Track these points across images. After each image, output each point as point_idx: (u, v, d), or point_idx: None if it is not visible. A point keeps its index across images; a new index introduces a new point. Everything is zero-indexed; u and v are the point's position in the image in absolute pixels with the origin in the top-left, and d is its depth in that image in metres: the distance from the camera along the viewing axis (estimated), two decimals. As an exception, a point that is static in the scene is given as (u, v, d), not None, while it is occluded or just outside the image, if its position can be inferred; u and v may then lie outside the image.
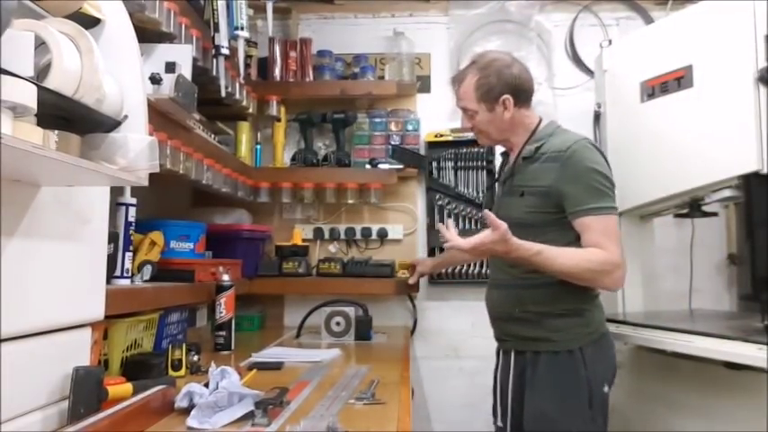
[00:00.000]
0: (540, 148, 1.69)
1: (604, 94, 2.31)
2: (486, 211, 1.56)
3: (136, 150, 1.04)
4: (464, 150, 2.75)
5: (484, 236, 1.53)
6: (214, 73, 1.90)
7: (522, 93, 1.74)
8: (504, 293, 1.75)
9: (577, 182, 1.61)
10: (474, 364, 2.63)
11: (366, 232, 2.77)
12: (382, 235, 2.77)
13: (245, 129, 2.56)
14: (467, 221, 2.74)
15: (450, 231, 1.57)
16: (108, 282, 1.29)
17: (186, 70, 1.61)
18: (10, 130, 0.75)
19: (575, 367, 1.61)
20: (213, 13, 1.83)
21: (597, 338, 1.67)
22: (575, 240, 1.63)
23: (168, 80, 1.53)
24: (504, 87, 1.72)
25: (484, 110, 1.74)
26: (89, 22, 1.08)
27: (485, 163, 2.74)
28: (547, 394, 1.62)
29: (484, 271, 2.64)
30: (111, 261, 1.44)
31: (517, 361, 1.72)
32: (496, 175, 1.95)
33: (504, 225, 1.50)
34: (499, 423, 1.78)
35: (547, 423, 1.61)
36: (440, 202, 2.76)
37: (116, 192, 1.49)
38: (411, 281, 2.48)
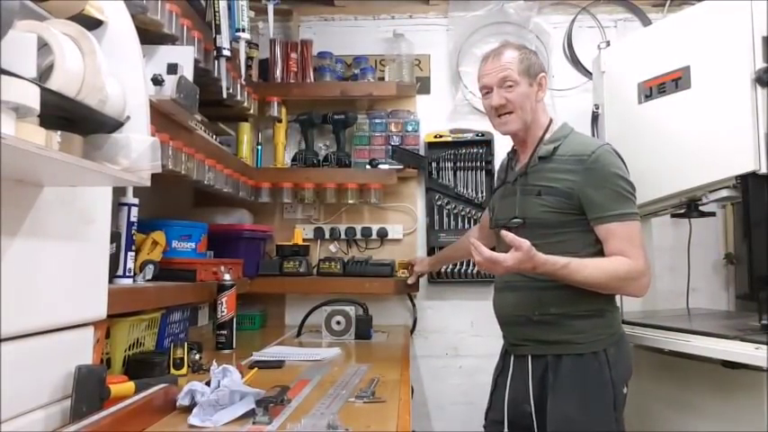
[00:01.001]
0: (557, 148, 1.67)
1: (602, 95, 2.31)
2: (504, 232, 1.53)
3: (138, 151, 1.04)
4: (463, 151, 2.77)
5: (510, 256, 1.50)
6: (216, 74, 1.91)
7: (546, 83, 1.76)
8: (520, 296, 1.69)
9: (602, 187, 1.59)
10: (473, 362, 2.64)
11: (366, 232, 2.78)
12: (382, 235, 2.78)
13: (246, 129, 2.57)
14: (466, 221, 2.75)
15: (481, 248, 1.54)
16: (110, 281, 1.30)
17: (188, 71, 1.62)
18: (13, 131, 0.75)
19: (599, 369, 1.59)
20: (215, 15, 1.84)
21: (618, 339, 1.67)
22: (593, 243, 1.62)
23: (170, 81, 1.53)
24: (540, 67, 1.74)
25: (525, 83, 1.70)
26: (91, 23, 1.09)
27: (484, 163, 2.76)
28: (572, 398, 1.58)
29: (483, 270, 2.64)
30: (114, 261, 1.45)
31: (535, 366, 1.65)
32: (502, 175, 1.89)
33: (526, 243, 1.48)
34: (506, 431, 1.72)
35: (573, 427, 1.57)
36: (439, 203, 2.78)
37: (118, 192, 1.50)
38: (410, 281, 2.49)
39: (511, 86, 1.69)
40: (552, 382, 1.61)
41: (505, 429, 1.71)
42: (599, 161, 1.61)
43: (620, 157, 1.67)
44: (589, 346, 1.61)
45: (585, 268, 1.55)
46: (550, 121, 1.77)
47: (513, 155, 1.88)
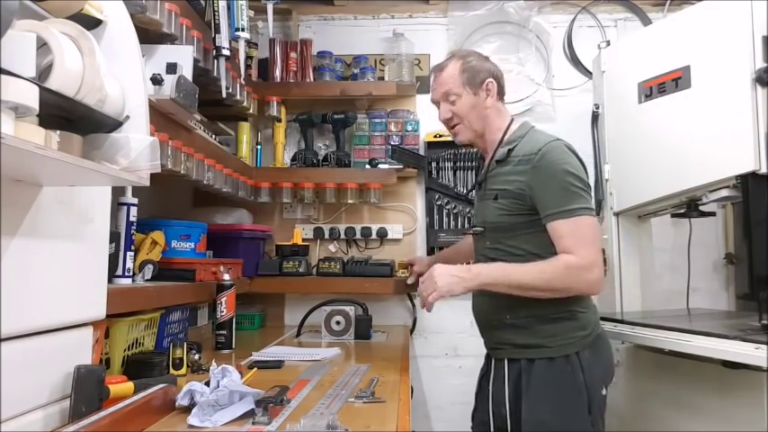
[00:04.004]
0: (512, 150, 1.66)
1: (603, 94, 2.31)
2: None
3: (137, 150, 1.04)
4: (463, 151, 2.77)
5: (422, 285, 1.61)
6: (215, 74, 1.91)
7: (500, 84, 1.76)
8: (493, 300, 1.66)
9: (548, 185, 1.57)
10: (473, 362, 2.62)
11: (366, 232, 2.78)
12: (382, 235, 2.78)
13: (245, 129, 2.57)
14: (465, 221, 2.75)
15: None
16: (109, 281, 1.30)
17: (187, 71, 1.62)
18: (12, 131, 0.75)
19: (572, 373, 1.57)
20: (214, 15, 1.84)
21: (593, 341, 1.63)
22: (549, 244, 1.58)
23: (169, 81, 1.53)
24: (486, 73, 1.73)
25: (468, 93, 1.71)
26: (91, 22, 1.09)
27: (484, 163, 2.76)
28: (544, 402, 1.57)
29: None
30: (113, 260, 1.45)
31: (511, 369, 1.65)
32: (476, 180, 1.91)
33: (419, 260, 1.58)
34: None
35: (546, 430, 1.56)
36: (439, 202, 2.78)
37: (118, 192, 1.50)
38: (409, 281, 2.48)
39: (454, 100, 1.72)
40: (526, 386, 1.60)
41: (491, 430, 1.71)
42: (545, 158, 1.58)
43: (572, 151, 1.63)
44: (560, 349, 1.59)
45: (522, 276, 1.54)
46: (511, 121, 1.76)
47: (481, 160, 1.89)
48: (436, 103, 1.79)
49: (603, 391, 1.62)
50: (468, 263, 2.63)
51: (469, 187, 2.75)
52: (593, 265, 1.53)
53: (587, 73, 2.78)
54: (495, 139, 1.74)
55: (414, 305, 2.77)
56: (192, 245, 1.95)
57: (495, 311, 1.68)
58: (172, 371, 1.51)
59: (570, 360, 1.58)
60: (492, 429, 1.71)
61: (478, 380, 1.82)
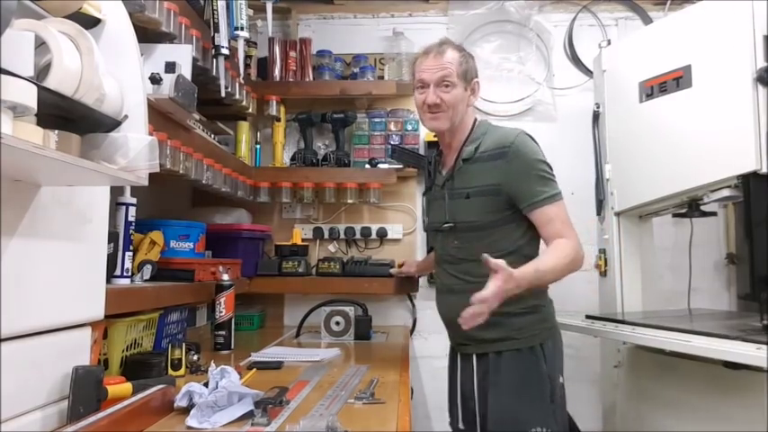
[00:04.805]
0: (478, 147, 1.69)
1: (603, 94, 2.31)
2: (486, 256, 1.43)
3: (136, 150, 1.04)
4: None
5: (493, 290, 1.41)
6: (214, 73, 1.90)
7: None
8: (460, 298, 1.58)
9: (527, 175, 1.62)
10: (473, 363, 2.63)
11: (365, 232, 2.77)
12: (382, 234, 2.78)
13: (244, 128, 2.56)
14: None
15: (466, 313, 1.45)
16: (108, 281, 1.29)
17: (186, 70, 1.62)
18: (10, 130, 0.75)
19: (536, 363, 1.64)
20: (213, 14, 1.83)
21: (553, 332, 1.72)
22: (522, 236, 1.66)
23: (168, 80, 1.53)
24: (475, 72, 1.76)
25: (461, 86, 1.70)
26: (89, 22, 1.09)
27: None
28: (511, 392, 1.63)
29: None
30: (112, 260, 1.44)
31: (479, 364, 1.70)
32: (429, 179, 1.91)
33: (501, 262, 1.43)
34: (461, 426, 1.79)
35: (512, 421, 1.62)
36: (439, 202, 2.77)
37: (116, 191, 1.49)
38: (392, 271, 2.50)
39: (448, 86, 1.69)
40: (494, 378, 1.66)
41: (460, 424, 1.78)
42: (519, 151, 1.63)
43: (533, 139, 1.70)
44: (527, 341, 1.65)
45: (552, 267, 1.56)
46: (474, 121, 1.79)
47: (438, 157, 1.87)
48: (425, 84, 1.71)
49: (561, 380, 1.69)
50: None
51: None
52: (580, 245, 1.63)
53: (588, 72, 2.78)
54: (462, 138, 1.75)
55: (413, 305, 2.76)
56: (191, 245, 1.94)
57: (462, 310, 1.55)
58: (170, 372, 1.51)
59: (535, 351, 1.65)
60: (460, 423, 1.78)
61: (449, 376, 1.89)
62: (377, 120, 2.82)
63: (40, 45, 0.87)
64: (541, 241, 1.68)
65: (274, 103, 2.69)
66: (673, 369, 1.91)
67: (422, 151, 2.79)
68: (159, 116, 1.53)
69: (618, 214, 2.25)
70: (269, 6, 2.08)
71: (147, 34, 1.54)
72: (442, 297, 1.82)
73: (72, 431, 0.91)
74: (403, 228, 2.80)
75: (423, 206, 1.89)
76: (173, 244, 1.87)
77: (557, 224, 1.62)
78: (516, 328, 1.65)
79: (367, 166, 2.72)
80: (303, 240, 2.70)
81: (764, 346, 1.49)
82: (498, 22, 2.87)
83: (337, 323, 2.26)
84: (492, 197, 1.65)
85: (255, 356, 1.80)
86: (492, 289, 1.41)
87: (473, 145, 1.71)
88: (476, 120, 1.79)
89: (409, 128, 2.81)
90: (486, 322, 1.55)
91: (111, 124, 1.04)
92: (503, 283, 1.42)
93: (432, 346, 2.75)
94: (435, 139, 2.75)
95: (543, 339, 1.67)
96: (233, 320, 1.96)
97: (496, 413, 1.64)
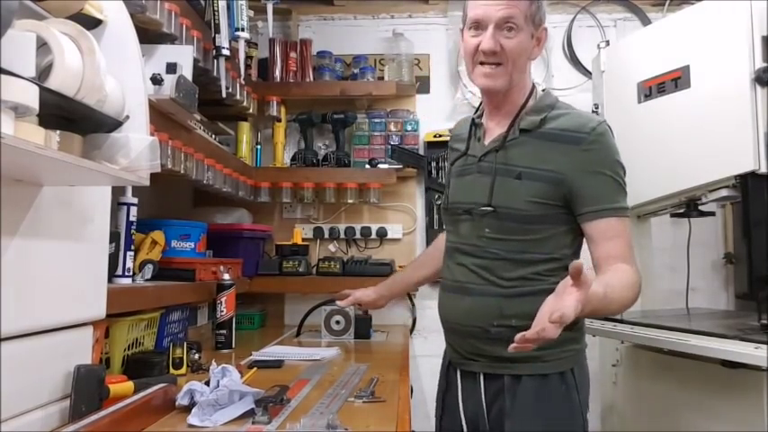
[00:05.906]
0: (544, 120, 1.35)
1: (602, 94, 2.31)
2: (579, 261, 0.99)
3: (137, 150, 1.04)
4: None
5: (573, 304, 0.99)
6: (215, 73, 1.91)
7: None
8: (476, 302, 1.37)
9: (600, 174, 1.31)
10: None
11: (366, 232, 2.78)
12: (382, 234, 2.78)
13: (245, 129, 2.57)
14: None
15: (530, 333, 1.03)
16: (109, 281, 1.30)
17: (187, 71, 1.62)
18: (12, 131, 0.75)
19: (567, 393, 1.32)
20: (214, 15, 1.84)
21: (581, 356, 1.41)
22: (567, 246, 1.36)
23: (169, 81, 1.53)
24: (545, 17, 1.38)
25: (527, 32, 1.33)
26: (90, 22, 1.09)
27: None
28: (536, 428, 1.31)
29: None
30: (113, 260, 1.44)
31: (488, 387, 1.37)
32: (462, 146, 1.50)
33: (591, 273, 1.14)
34: None
35: None
36: (438, 202, 2.77)
37: (117, 191, 1.49)
38: (339, 303, 2.03)
39: (512, 30, 1.31)
40: (510, 409, 1.32)
41: None
42: (599, 142, 1.31)
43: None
44: (556, 364, 1.32)
45: (618, 298, 1.22)
46: (533, 86, 1.43)
47: (479, 121, 1.49)
48: (480, 24, 1.33)
49: (587, 414, 1.39)
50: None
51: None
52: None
53: (587, 73, 2.78)
54: (519, 102, 1.39)
55: (413, 304, 2.77)
56: (192, 244, 1.95)
57: (476, 317, 1.37)
58: (172, 370, 1.51)
59: (565, 377, 1.33)
60: None
61: (439, 399, 1.54)
62: (377, 120, 2.83)
63: (42, 46, 0.87)
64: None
65: (275, 103, 2.70)
66: (671, 368, 1.91)
67: (421, 151, 2.80)
68: (160, 117, 1.54)
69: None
70: (269, 7, 2.09)
71: (149, 35, 1.54)
72: (449, 297, 1.47)
73: (74, 430, 0.91)
74: (403, 228, 2.81)
75: (446, 182, 1.57)
76: (174, 244, 1.88)
77: (621, 244, 1.30)
78: (542, 347, 1.11)
79: (367, 166, 2.73)
80: (303, 240, 2.71)
81: (763, 345, 1.50)
82: (498, 23, 2.87)
83: (337, 322, 2.27)
84: (549, 186, 1.31)
85: (256, 355, 1.81)
86: (573, 305, 0.99)
87: (538, 116, 1.36)
88: (534, 85, 1.44)
89: (409, 128, 2.81)
90: (503, 337, 1.23)
91: (113, 125, 1.04)
92: (586, 301, 1.02)
93: (432, 346, 2.75)
94: (435, 139, 2.80)
95: (573, 364, 1.34)
96: (234, 320, 1.96)
97: None
